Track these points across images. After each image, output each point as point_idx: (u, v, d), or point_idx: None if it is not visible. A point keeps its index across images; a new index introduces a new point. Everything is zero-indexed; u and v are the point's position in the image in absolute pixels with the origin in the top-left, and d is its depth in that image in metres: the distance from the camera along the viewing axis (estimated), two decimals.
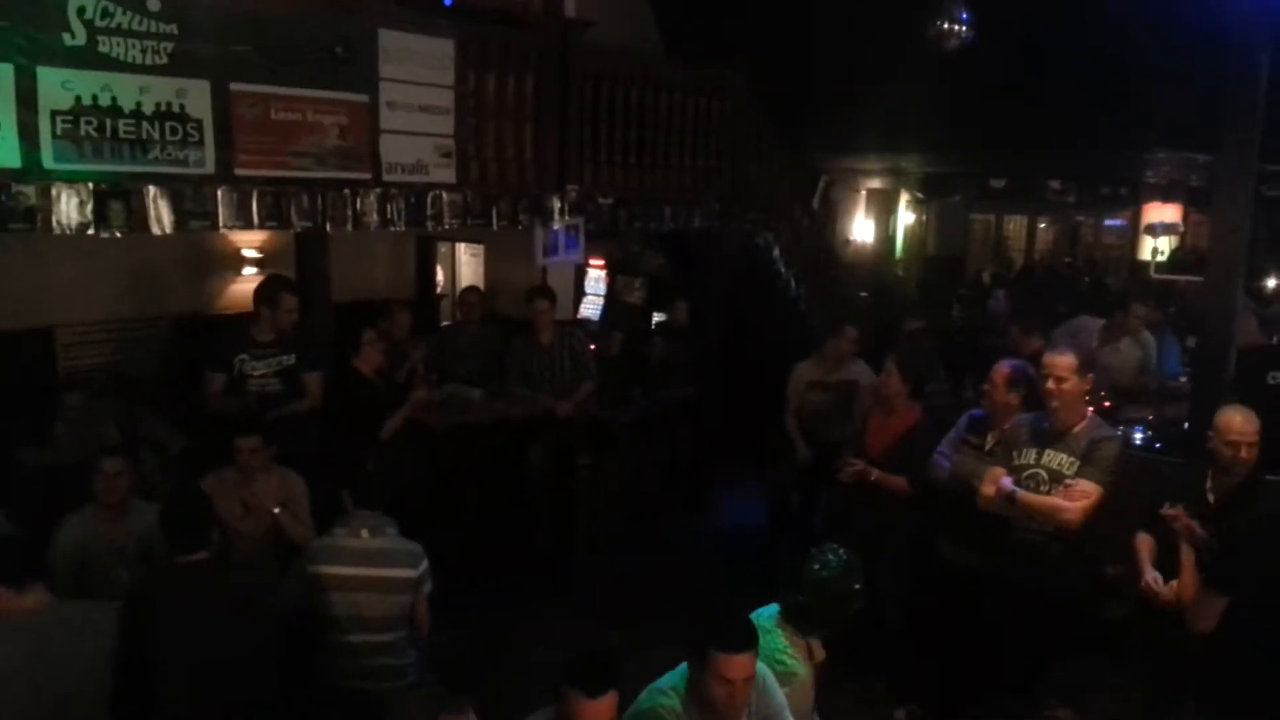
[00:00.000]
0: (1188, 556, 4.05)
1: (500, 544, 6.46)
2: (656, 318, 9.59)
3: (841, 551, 3.56)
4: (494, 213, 6.49)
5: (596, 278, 10.51)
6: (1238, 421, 4.07)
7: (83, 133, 4.65)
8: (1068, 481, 4.31)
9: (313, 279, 6.00)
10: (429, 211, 6.09)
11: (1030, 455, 4.45)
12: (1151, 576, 4.17)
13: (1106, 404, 6.31)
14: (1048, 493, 4.35)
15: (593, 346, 7.66)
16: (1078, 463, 4.33)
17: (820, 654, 3.51)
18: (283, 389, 5.56)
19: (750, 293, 9.04)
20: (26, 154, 4.51)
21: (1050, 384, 4.38)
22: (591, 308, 10.34)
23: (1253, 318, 6.37)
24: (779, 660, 3.42)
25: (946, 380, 6.65)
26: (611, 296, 10.29)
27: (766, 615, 3.57)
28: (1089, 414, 4.51)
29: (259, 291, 5.64)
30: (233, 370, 5.48)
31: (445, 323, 8.92)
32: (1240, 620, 3.77)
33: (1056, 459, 4.37)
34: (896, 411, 5.30)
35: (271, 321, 5.55)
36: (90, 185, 4.70)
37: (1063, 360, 4.40)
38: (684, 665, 3.13)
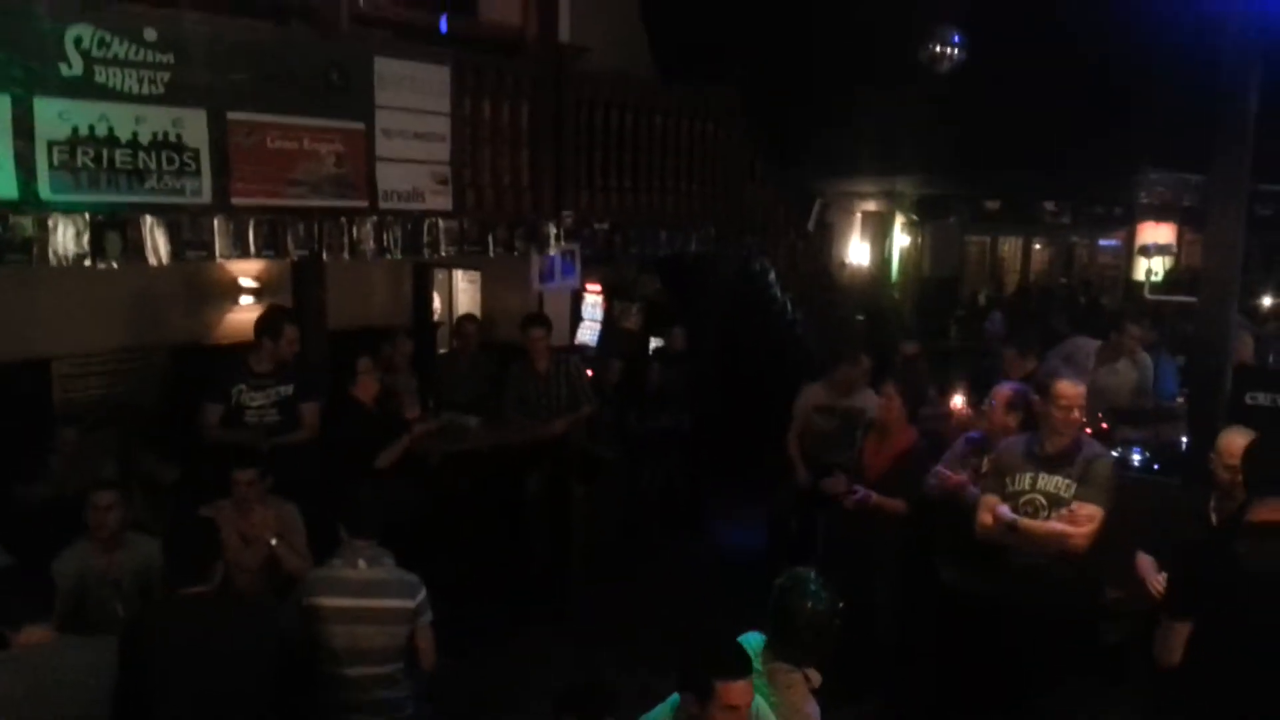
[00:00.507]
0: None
1: (497, 571, 6.43)
2: (654, 343, 9.58)
3: (816, 577, 3.51)
4: (490, 239, 6.50)
5: (593, 303, 10.50)
6: (1238, 444, 4.06)
7: (79, 163, 4.68)
8: (1072, 506, 4.29)
9: (309, 308, 6.01)
10: (425, 239, 6.10)
11: (1025, 480, 4.43)
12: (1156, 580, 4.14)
13: (1104, 425, 6.31)
14: (1047, 518, 4.34)
15: (590, 373, 7.65)
16: (1075, 484, 4.33)
17: (817, 679, 3.47)
18: (280, 419, 5.55)
19: (747, 316, 9.04)
20: (23, 185, 4.53)
21: (1066, 414, 4.37)
22: (588, 333, 10.32)
23: (1249, 337, 6.37)
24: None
25: (941, 403, 6.64)
26: (608, 322, 10.29)
27: (752, 645, 3.53)
28: (1081, 435, 4.51)
29: (260, 322, 5.63)
30: (230, 401, 5.46)
31: (442, 350, 8.91)
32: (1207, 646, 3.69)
33: (1053, 482, 4.37)
34: (892, 434, 5.33)
35: (273, 352, 5.54)
36: (87, 216, 4.72)
37: (1077, 391, 4.41)
38: (674, 697, 3.11)
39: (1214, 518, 4.16)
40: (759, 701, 3.19)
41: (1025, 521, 4.34)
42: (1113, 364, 7.15)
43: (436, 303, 9.60)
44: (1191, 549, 3.61)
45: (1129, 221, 15.14)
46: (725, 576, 7.11)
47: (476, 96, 6.32)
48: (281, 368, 5.58)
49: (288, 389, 5.58)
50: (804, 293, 9.65)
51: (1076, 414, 4.40)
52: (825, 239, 15.22)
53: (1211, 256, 5.94)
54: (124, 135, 4.79)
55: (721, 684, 2.92)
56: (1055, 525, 4.31)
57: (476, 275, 9.48)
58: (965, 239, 18.57)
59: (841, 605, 3.40)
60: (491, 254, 6.61)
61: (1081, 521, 4.27)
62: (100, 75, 4.71)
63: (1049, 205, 15.97)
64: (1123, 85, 10.14)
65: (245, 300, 7.36)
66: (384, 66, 5.76)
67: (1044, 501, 4.36)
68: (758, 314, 9.19)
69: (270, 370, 5.55)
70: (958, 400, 5.76)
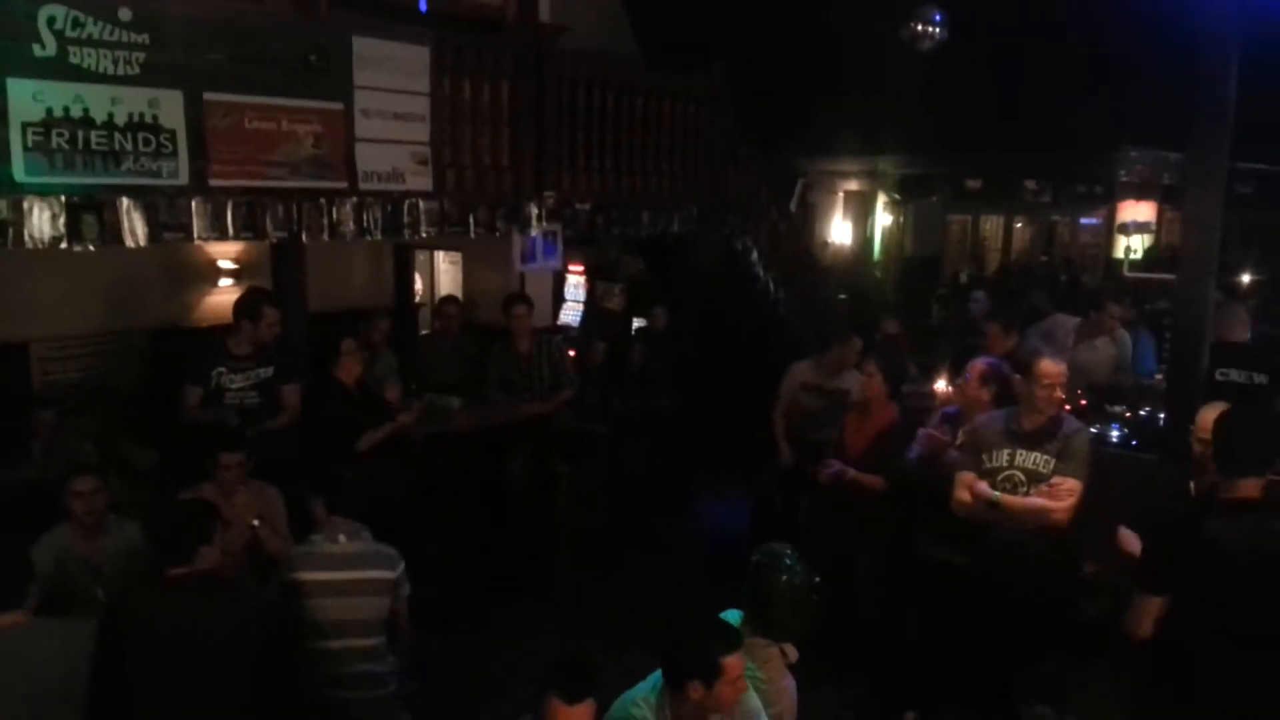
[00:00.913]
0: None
1: (481, 551, 6.44)
2: (636, 323, 9.58)
3: (792, 553, 3.53)
4: (471, 220, 6.47)
5: (576, 284, 10.49)
6: (1211, 420, 4.10)
7: (54, 145, 4.63)
8: (1053, 481, 4.33)
9: (289, 289, 5.97)
10: (406, 220, 6.07)
11: (1003, 457, 4.45)
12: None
13: (1083, 402, 6.36)
14: (1027, 493, 4.37)
15: (572, 354, 7.65)
16: (1054, 460, 4.36)
17: (794, 654, 3.51)
18: (261, 401, 5.53)
19: (729, 296, 9.06)
20: None
21: (1048, 393, 4.40)
22: (571, 314, 10.32)
23: (1244, 315, 6.42)
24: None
25: (923, 381, 6.67)
26: (591, 302, 10.28)
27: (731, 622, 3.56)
28: (1061, 412, 4.55)
29: (240, 304, 5.60)
30: (210, 384, 5.44)
31: (424, 331, 8.89)
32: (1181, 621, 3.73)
33: (1032, 458, 4.39)
34: (874, 412, 5.35)
35: (252, 334, 5.52)
36: (62, 198, 4.68)
37: (1059, 369, 4.44)
38: (656, 674, 3.13)
39: (1194, 492, 4.21)
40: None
41: (1007, 498, 4.37)
42: (1092, 341, 7.22)
43: (418, 284, 9.57)
44: (1167, 524, 3.64)
45: (1109, 200, 15.22)
46: (709, 557, 7.13)
47: (456, 76, 6.27)
48: (261, 350, 5.56)
49: (268, 371, 5.56)
50: (786, 272, 9.67)
51: (1058, 392, 4.44)
52: (808, 219, 15.25)
53: (1190, 234, 5.97)
54: (99, 116, 4.74)
55: (727, 660, 3.00)
56: (1036, 500, 4.34)
57: (458, 256, 9.45)
58: (947, 218, 18.63)
59: (818, 580, 3.43)
60: (473, 235, 6.59)
61: (1062, 495, 4.30)
62: (75, 56, 4.65)
63: (1030, 184, 16.03)
64: (1102, 63, 10.15)
65: (224, 282, 7.32)
66: (363, 46, 5.72)
67: (1023, 478, 4.39)
68: (740, 294, 9.20)
69: (250, 352, 5.52)
70: (941, 384, 5.79)
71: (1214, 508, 3.37)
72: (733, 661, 3.02)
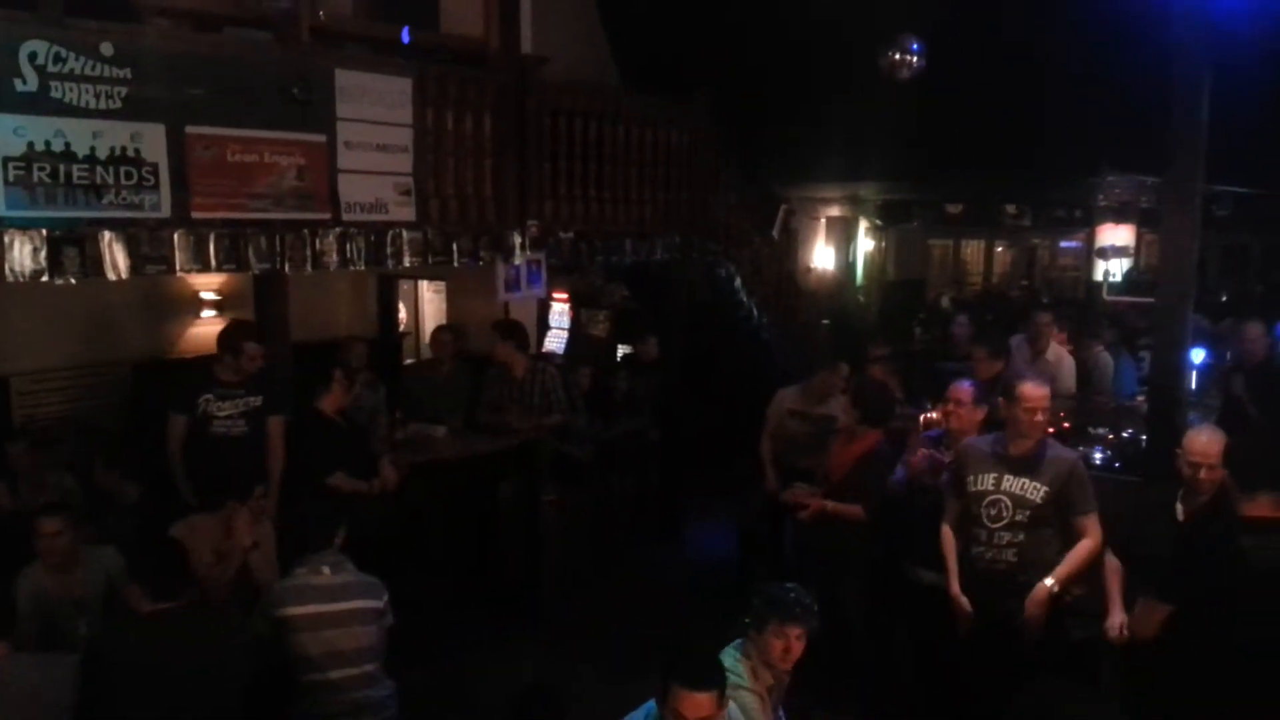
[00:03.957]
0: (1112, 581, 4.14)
1: (469, 580, 6.41)
2: (621, 350, 9.60)
3: (796, 590, 3.58)
4: (455, 250, 6.48)
5: (560, 311, 10.52)
6: (1199, 442, 4.13)
7: (36, 179, 4.62)
8: (1080, 521, 4.36)
9: (272, 321, 5.95)
10: (389, 250, 6.07)
11: (988, 481, 4.46)
12: (1119, 623, 4.23)
13: (1065, 425, 6.39)
14: (1013, 518, 4.37)
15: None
16: (1044, 487, 4.37)
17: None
18: (248, 430, 5.49)
19: (713, 323, 9.08)
20: None
21: (1030, 417, 4.40)
22: (555, 341, 10.34)
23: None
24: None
25: (906, 404, 6.70)
26: (576, 330, 10.30)
27: (732, 646, 3.60)
28: (1045, 437, 4.57)
29: (222, 338, 5.57)
30: (197, 411, 5.39)
31: (409, 360, 8.88)
32: (1194, 633, 3.79)
33: (1019, 484, 4.40)
34: (855, 437, 5.36)
35: (235, 367, 5.49)
36: (44, 232, 4.66)
37: (1041, 393, 4.45)
38: (650, 703, 3.12)
39: (1180, 512, 4.25)
40: (733, 713, 3.22)
41: (1063, 570, 4.35)
42: (1043, 358, 7.13)
43: (402, 313, 9.58)
44: (1196, 537, 3.68)
45: (1089, 224, 15.35)
46: (697, 583, 7.13)
47: (439, 107, 6.30)
48: (249, 378, 5.53)
49: (256, 400, 5.53)
50: (770, 298, 9.71)
51: (1040, 416, 4.44)
52: (790, 245, 15.30)
53: (1167, 257, 6.04)
54: (81, 150, 4.74)
55: (679, 690, 2.93)
56: (1076, 553, 4.35)
57: (442, 286, 9.47)
58: (929, 243, 18.76)
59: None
60: (456, 264, 6.59)
61: (1094, 532, 4.36)
62: (56, 90, 4.65)
63: (1010, 208, 16.16)
64: (1079, 89, 10.27)
65: (207, 313, 7.31)
66: (345, 79, 5.74)
67: (1009, 503, 4.39)
68: (724, 320, 9.23)
69: (237, 380, 5.49)
70: (931, 414, 5.81)
71: (1240, 526, 3.40)
72: (687, 698, 2.90)
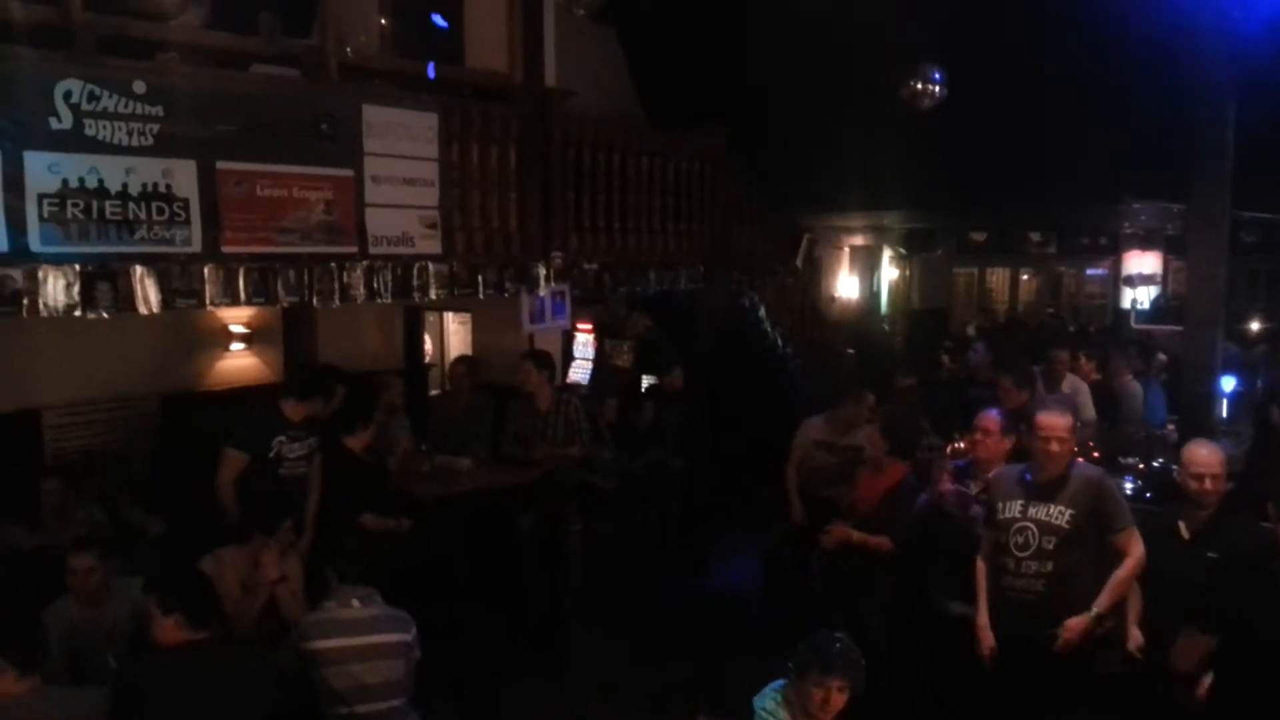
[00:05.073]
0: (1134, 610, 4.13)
1: (491, 611, 6.40)
2: (645, 381, 9.60)
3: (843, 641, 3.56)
4: (480, 282, 6.53)
5: (585, 342, 10.53)
6: (1201, 454, 4.12)
7: (69, 215, 4.70)
8: (1118, 539, 4.29)
9: (301, 353, 6.01)
10: (415, 283, 6.13)
11: (1015, 508, 4.41)
12: (1137, 643, 4.17)
13: (1095, 454, 6.32)
14: (1039, 545, 4.32)
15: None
16: (1069, 511, 4.31)
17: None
18: (306, 471, 5.52)
19: (737, 353, 9.08)
20: (13, 237, 4.55)
21: (1046, 445, 4.36)
22: (580, 372, 10.35)
23: None
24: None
25: (935, 434, 6.66)
26: (600, 360, 10.31)
27: (773, 688, 3.58)
28: (1073, 461, 4.53)
29: (313, 382, 5.60)
30: (269, 452, 5.34)
31: (434, 391, 8.92)
32: (1227, 664, 3.74)
33: (1045, 510, 4.35)
34: (883, 468, 5.34)
35: (320, 410, 5.50)
36: (77, 267, 4.73)
37: (1058, 422, 4.39)
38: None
39: (1185, 532, 4.21)
40: None
41: (1105, 599, 4.28)
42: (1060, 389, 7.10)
43: (428, 345, 9.62)
44: (1237, 566, 3.66)
45: (1115, 251, 15.28)
46: (721, 614, 7.09)
47: (464, 141, 6.37)
48: (311, 420, 5.53)
49: (314, 441, 5.54)
50: (794, 328, 9.70)
51: (1056, 446, 4.37)
52: (814, 274, 15.29)
53: (1195, 284, 6.01)
54: (114, 186, 4.82)
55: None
56: (1119, 575, 4.29)
57: (467, 317, 9.51)
58: (954, 270, 18.69)
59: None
60: (481, 296, 6.64)
61: (1134, 548, 4.29)
62: (90, 128, 4.74)
63: (1034, 235, 16.10)
64: (1102, 114, 10.24)
65: (236, 347, 7.37)
66: (372, 114, 5.82)
67: (1035, 531, 4.34)
68: (748, 350, 9.23)
69: (303, 421, 5.47)
70: (959, 444, 5.78)
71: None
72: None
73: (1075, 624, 4.25)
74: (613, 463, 7.61)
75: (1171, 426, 7.12)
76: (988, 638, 4.43)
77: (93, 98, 4.74)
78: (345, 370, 5.96)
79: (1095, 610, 4.26)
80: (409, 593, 4.41)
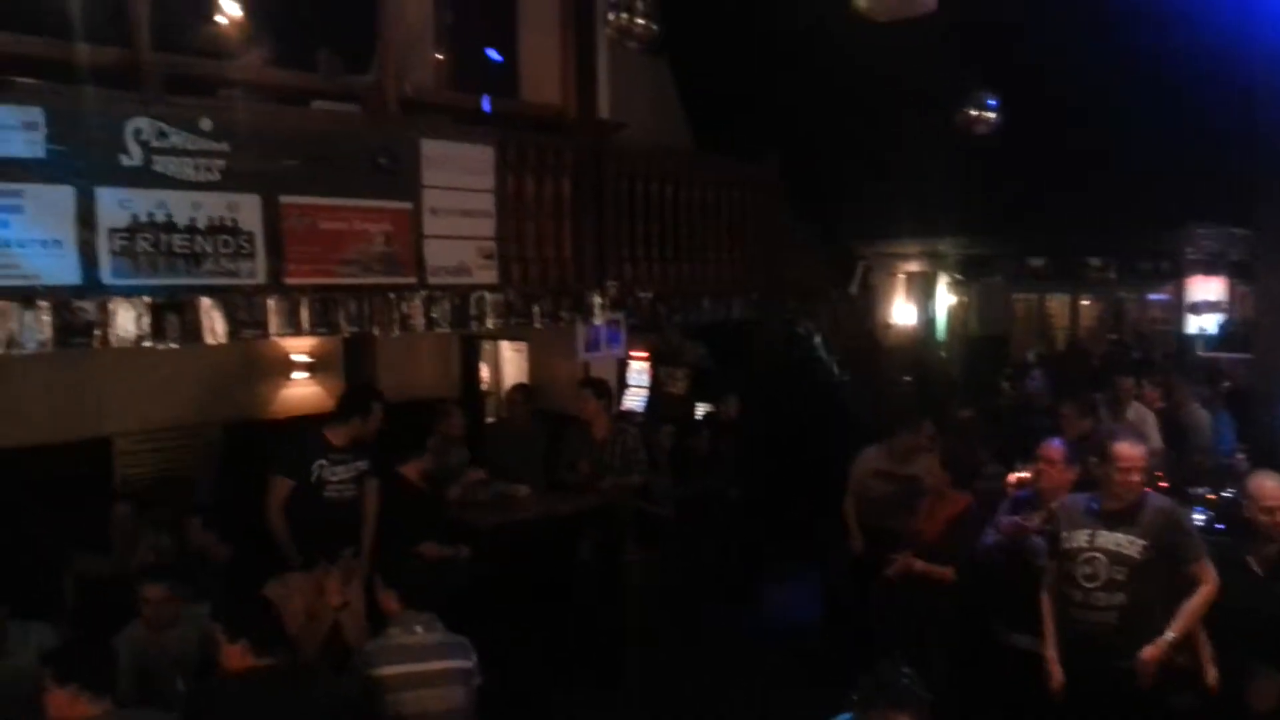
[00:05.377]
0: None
1: (549, 639, 6.40)
2: (700, 409, 9.59)
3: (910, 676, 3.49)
4: (536, 311, 6.59)
5: (639, 369, 10.55)
6: (1269, 486, 4.02)
7: (139, 249, 4.84)
8: (1192, 570, 4.20)
9: (361, 381, 6.09)
10: (472, 312, 6.20)
11: (1082, 538, 4.31)
12: (1212, 678, 4.07)
13: (1163, 484, 6.18)
14: (1109, 576, 4.22)
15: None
16: (1141, 541, 4.21)
17: None
18: (355, 494, 5.60)
19: (792, 380, 9.04)
20: (86, 271, 4.70)
21: (1125, 477, 4.26)
22: (635, 399, 10.36)
23: None
24: None
25: (997, 463, 6.56)
26: (655, 388, 10.32)
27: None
28: (1145, 491, 4.43)
29: (350, 400, 5.71)
30: (311, 476, 5.46)
31: (490, 419, 8.99)
32: None
33: (1114, 539, 4.25)
34: (946, 498, 5.27)
35: (359, 429, 5.60)
36: (146, 299, 4.86)
37: (1136, 452, 4.30)
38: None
39: (1257, 566, 4.10)
40: None
41: (1180, 624, 4.18)
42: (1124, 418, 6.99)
43: (484, 372, 9.71)
44: None
45: (1177, 276, 14.97)
46: (778, 643, 7.02)
47: (520, 173, 6.46)
48: (357, 443, 5.64)
49: (362, 464, 5.63)
50: (849, 355, 9.64)
51: (1136, 476, 4.28)
52: (869, 301, 15.21)
53: (1263, 310, 5.88)
54: (181, 221, 4.96)
55: None
56: (1193, 602, 4.20)
57: (523, 345, 9.58)
58: (1012, 296, 18.44)
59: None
60: (537, 325, 6.70)
61: (1205, 577, 4.20)
62: (159, 164, 4.89)
63: (1094, 261, 15.84)
64: (1161, 138, 10.10)
65: (298, 375, 7.50)
66: (430, 148, 5.92)
67: (1105, 560, 4.23)
68: (803, 378, 9.19)
69: (348, 444, 5.59)
70: (1022, 474, 5.70)
71: None
72: None
73: (1151, 652, 4.14)
74: (669, 490, 7.60)
75: (1242, 455, 6.94)
76: (1056, 672, 4.33)
77: (161, 135, 4.90)
78: (379, 390, 6.01)
79: (1170, 635, 4.15)
80: (468, 619, 4.43)
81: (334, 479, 5.51)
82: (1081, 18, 9.44)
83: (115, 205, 4.78)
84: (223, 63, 5.94)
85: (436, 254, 5.96)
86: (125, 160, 4.81)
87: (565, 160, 6.75)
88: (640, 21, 6.02)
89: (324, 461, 5.49)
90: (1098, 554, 4.26)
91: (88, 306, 4.71)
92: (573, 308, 6.85)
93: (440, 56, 8.18)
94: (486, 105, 6.65)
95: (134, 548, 5.53)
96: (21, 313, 4.54)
